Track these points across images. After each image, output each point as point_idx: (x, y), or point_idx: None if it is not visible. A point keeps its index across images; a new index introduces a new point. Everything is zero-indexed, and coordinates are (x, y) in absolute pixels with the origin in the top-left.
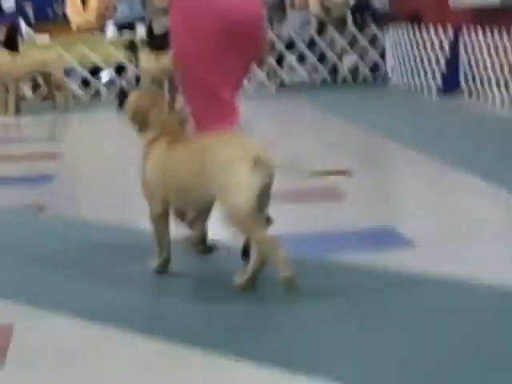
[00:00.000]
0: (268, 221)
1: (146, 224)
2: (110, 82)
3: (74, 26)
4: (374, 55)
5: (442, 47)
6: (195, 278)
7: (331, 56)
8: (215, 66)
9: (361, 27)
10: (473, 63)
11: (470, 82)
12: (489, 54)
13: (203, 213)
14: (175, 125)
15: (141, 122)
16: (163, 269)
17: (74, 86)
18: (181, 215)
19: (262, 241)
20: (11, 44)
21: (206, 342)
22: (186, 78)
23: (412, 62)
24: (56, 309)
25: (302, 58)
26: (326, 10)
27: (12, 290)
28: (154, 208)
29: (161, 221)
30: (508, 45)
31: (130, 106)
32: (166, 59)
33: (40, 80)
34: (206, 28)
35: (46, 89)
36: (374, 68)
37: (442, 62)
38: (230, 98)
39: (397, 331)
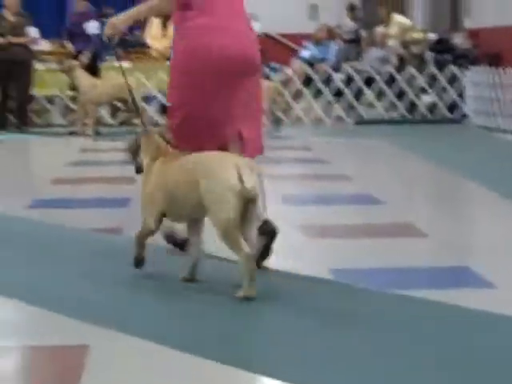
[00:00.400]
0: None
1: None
2: None
3: (153, 52)
4: (452, 94)
5: None
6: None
7: (410, 93)
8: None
9: (440, 66)
10: None
11: None
12: None
13: (196, 226)
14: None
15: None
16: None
17: (152, 112)
18: (170, 239)
19: (240, 253)
20: (92, 68)
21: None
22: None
23: (491, 103)
24: (133, 330)
25: (380, 95)
26: (406, 46)
27: (90, 312)
28: (148, 225)
29: (146, 238)
30: None
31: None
32: None
33: (118, 104)
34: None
35: (125, 114)
36: (452, 107)
37: None
38: (234, 133)
39: (470, 369)
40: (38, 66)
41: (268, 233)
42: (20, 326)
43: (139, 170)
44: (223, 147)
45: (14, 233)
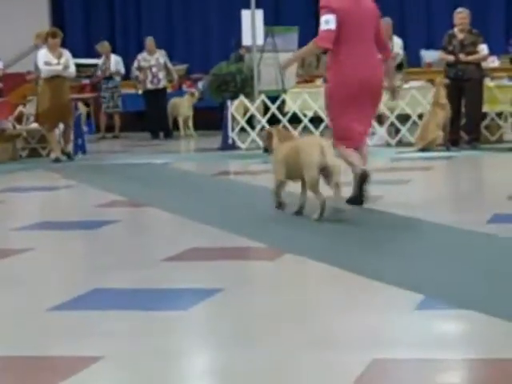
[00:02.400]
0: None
1: None
2: None
3: None
4: None
5: None
6: None
7: None
8: (350, 108)
9: None
10: None
11: None
12: None
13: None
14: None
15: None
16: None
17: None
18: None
19: (317, 196)
20: None
21: None
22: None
23: None
24: None
25: None
26: None
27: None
28: (278, 179)
29: (279, 189)
30: None
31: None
32: None
33: None
34: (349, 87)
35: None
36: None
37: None
38: (359, 129)
39: None
40: (488, 82)
41: (361, 176)
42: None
43: (267, 150)
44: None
45: (472, 247)
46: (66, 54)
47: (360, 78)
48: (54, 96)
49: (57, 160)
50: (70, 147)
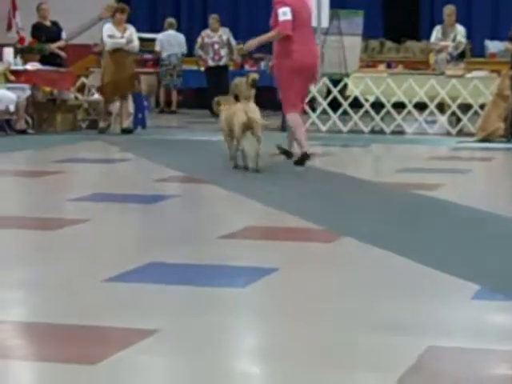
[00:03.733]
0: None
1: None
2: None
3: None
4: None
5: None
6: None
7: None
8: (296, 84)
9: None
10: None
11: None
12: None
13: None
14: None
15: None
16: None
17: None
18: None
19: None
20: None
21: None
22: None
23: None
24: None
25: None
26: None
27: None
28: (224, 133)
29: (227, 137)
30: None
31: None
32: None
33: None
34: (289, 67)
35: None
36: None
37: None
38: (298, 102)
39: None
40: None
41: (304, 156)
42: None
43: (215, 114)
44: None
45: None
46: (131, 28)
47: (305, 62)
48: (117, 69)
49: (101, 130)
50: (129, 123)
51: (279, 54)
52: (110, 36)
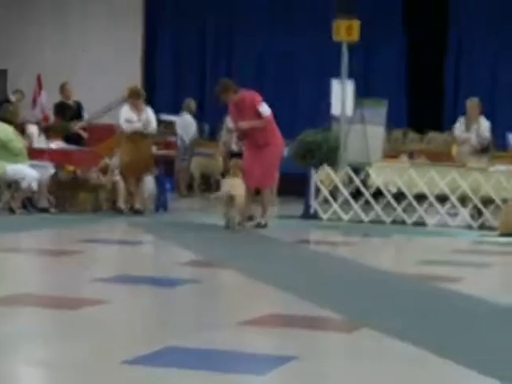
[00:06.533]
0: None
1: None
2: None
3: None
4: None
5: None
6: None
7: None
8: None
9: None
10: None
11: None
12: None
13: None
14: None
15: None
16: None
17: None
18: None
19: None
20: None
21: None
22: None
23: None
24: None
25: None
26: None
27: None
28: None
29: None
30: None
31: None
32: None
33: None
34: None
35: None
36: None
37: None
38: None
39: None
40: None
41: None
42: None
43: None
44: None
45: None
46: (148, 111)
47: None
48: (134, 151)
49: (120, 211)
50: (143, 204)
51: (272, 139)
52: (127, 120)
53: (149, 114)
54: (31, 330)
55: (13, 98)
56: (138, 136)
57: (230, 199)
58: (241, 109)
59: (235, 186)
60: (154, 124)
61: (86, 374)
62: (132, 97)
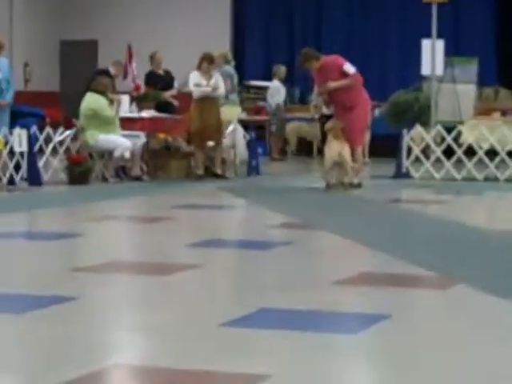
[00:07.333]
0: None
1: None
2: None
3: None
4: None
5: None
6: None
7: None
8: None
9: None
10: None
11: None
12: None
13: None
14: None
15: None
16: None
17: None
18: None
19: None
20: None
21: None
22: None
23: None
24: None
25: None
26: None
27: None
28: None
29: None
30: None
31: None
32: None
33: None
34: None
35: None
36: None
37: None
38: None
39: None
40: None
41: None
42: None
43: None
44: None
45: None
46: (216, 75)
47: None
48: (204, 116)
49: (200, 177)
50: (223, 169)
51: (360, 98)
52: (196, 84)
53: (218, 78)
54: (127, 296)
55: (112, 70)
56: (207, 101)
57: (339, 164)
58: (325, 73)
59: (340, 149)
60: (222, 89)
61: (186, 338)
62: (206, 60)
